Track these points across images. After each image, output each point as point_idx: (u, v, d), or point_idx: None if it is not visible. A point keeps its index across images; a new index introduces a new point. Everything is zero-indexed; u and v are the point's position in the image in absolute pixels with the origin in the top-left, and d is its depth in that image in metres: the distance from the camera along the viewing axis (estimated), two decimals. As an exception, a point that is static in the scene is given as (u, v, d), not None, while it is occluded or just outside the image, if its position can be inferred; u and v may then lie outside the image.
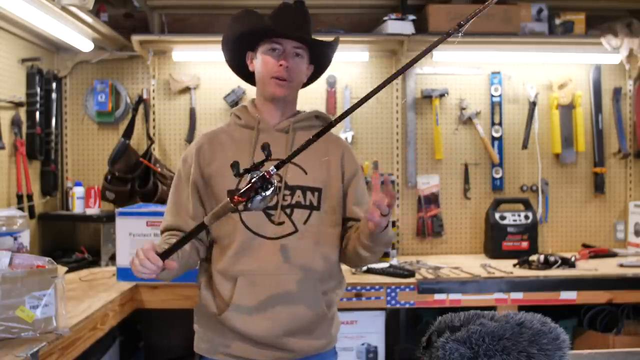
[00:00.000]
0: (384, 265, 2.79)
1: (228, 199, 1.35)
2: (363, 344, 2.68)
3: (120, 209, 2.63)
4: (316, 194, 1.65)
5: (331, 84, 3.27)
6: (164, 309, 2.56)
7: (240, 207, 1.40)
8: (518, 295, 2.61)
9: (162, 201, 2.97)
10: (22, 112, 2.85)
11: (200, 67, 3.25)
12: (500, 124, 3.34)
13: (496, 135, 3.34)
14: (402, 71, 1.34)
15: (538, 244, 3.19)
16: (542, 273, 2.73)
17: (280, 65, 1.62)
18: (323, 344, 1.68)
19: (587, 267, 2.84)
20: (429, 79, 3.34)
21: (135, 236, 2.56)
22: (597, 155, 3.39)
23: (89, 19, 2.59)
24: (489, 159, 3.36)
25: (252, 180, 1.31)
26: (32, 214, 2.84)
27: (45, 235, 3.03)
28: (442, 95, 3.30)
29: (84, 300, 2.21)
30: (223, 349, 1.64)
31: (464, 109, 3.32)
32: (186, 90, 3.26)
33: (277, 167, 1.34)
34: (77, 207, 3.05)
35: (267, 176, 1.32)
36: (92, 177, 3.23)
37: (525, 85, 3.35)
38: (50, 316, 1.68)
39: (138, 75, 3.27)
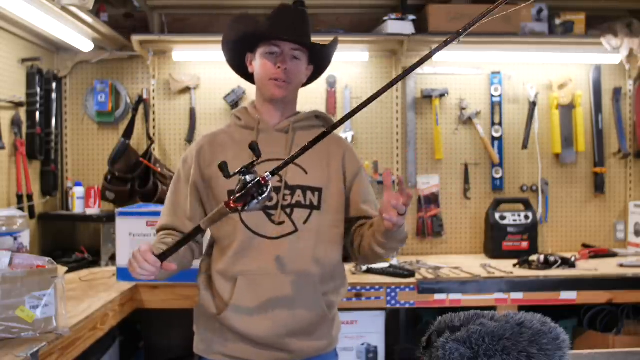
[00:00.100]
0: (384, 265, 2.79)
1: (223, 204, 1.34)
2: (363, 344, 2.68)
3: (120, 209, 2.62)
4: (316, 193, 1.65)
5: (331, 84, 3.27)
6: (164, 309, 2.56)
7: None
8: (518, 295, 2.61)
9: (162, 201, 2.92)
10: (22, 112, 2.85)
11: (200, 67, 3.26)
12: (500, 124, 3.34)
13: (496, 135, 3.34)
14: (402, 77, 1.34)
15: (538, 244, 3.19)
16: (542, 273, 2.73)
17: (278, 67, 1.63)
18: (324, 345, 1.68)
19: (587, 267, 2.84)
20: (429, 79, 3.34)
21: (135, 236, 2.56)
22: (597, 155, 3.39)
23: (89, 19, 2.59)
24: (489, 159, 3.36)
25: (248, 187, 1.31)
26: (32, 214, 2.84)
27: (45, 235, 3.03)
28: (442, 95, 3.30)
29: (84, 300, 2.21)
30: (222, 350, 1.64)
31: (464, 109, 3.32)
32: (186, 90, 3.26)
33: (273, 173, 1.33)
34: (77, 207, 3.05)
35: (263, 182, 1.31)
36: (92, 177, 3.23)
37: (525, 85, 3.35)
38: (50, 316, 1.68)
39: (138, 75, 3.27)
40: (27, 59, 2.87)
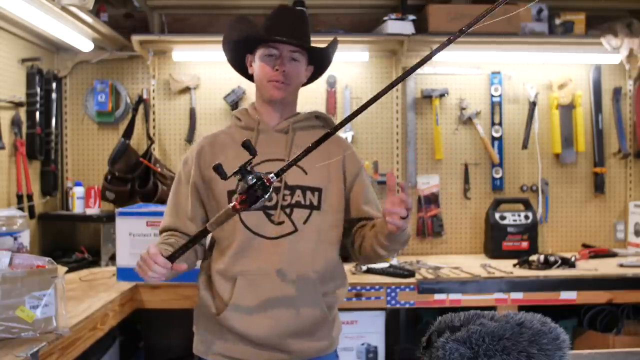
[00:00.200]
0: (384, 265, 2.79)
1: (230, 206, 1.35)
2: (363, 344, 2.68)
3: (120, 209, 2.62)
4: (316, 193, 1.65)
5: (331, 84, 3.27)
6: (164, 309, 2.56)
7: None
8: (518, 295, 2.61)
9: (162, 201, 2.97)
10: (22, 112, 2.85)
11: (200, 67, 3.25)
12: (500, 124, 3.34)
13: (496, 135, 3.34)
14: (403, 78, 1.34)
15: (538, 244, 3.19)
16: (542, 273, 2.73)
17: (277, 70, 1.63)
18: (324, 346, 1.68)
19: (587, 267, 2.84)
20: (429, 79, 3.34)
21: (135, 236, 2.56)
22: (597, 155, 3.39)
23: (89, 19, 2.59)
24: (489, 159, 3.36)
25: (255, 188, 1.31)
26: (32, 214, 2.84)
27: (45, 235, 3.03)
28: (442, 95, 3.30)
29: (84, 300, 2.21)
30: (221, 351, 1.64)
31: (464, 109, 3.32)
32: (186, 90, 3.26)
33: (277, 174, 1.33)
34: (77, 207, 3.05)
35: (268, 183, 1.32)
36: (92, 177, 3.23)
37: (525, 85, 3.35)
38: (50, 316, 1.68)
39: (138, 75, 3.27)
40: (27, 59, 2.87)
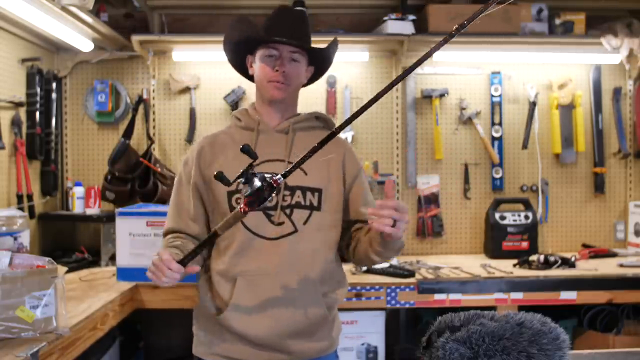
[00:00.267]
0: (384, 265, 2.79)
1: (239, 208, 1.36)
2: (363, 344, 2.68)
3: (120, 209, 2.62)
4: (316, 194, 1.65)
5: (331, 84, 3.27)
6: (164, 309, 2.55)
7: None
8: (518, 295, 2.61)
9: (162, 201, 2.97)
10: (22, 112, 2.85)
11: (200, 67, 3.25)
12: (500, 124, 3.34)
13: (496, 135, 3.34)
14: (404, 76, 1.34)
15: (538, 244, 3.19)
16: (542, 273, 2.73)
17: (277, 70, 1.63)
18: (324, 347, 1.68)
19: (587, 267, 2.84)
20: (429, 79, 3.34)
21: (135, 236, 2.56)
22: (597, 155, 3.39)
23: (89, 19, 2.59)
24: (489, 159, 3.36)
25: (263, 189, 1.33)
26: (32, 214, 2.84)
27: (45, 235, 3.03)
28: (442, 95, 3.30)
29: (84, 300, 2.21)
30: (221, 351, 1.64)
31: (464, 109, 3.32)
32: (186, 90, 3.26)
33: (285, 175, 1.35)
34: (77, 207, 3.05)
35: (275, 184, 1.34)
36: (92, 177, 3.23)
37: (525, 85, 3.35)
38: (50, 316, 1.68)
39: (138, 75, 3.27)
40: (27, 59, 2.87)
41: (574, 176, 3.42)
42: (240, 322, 1.60)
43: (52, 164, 3.06)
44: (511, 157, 3.38)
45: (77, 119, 3.26)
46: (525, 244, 3.13)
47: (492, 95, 3.34)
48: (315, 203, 1.65)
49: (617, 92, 3.40)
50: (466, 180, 3.35)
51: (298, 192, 1.63)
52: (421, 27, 3.05)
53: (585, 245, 3.31)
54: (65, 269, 2.40)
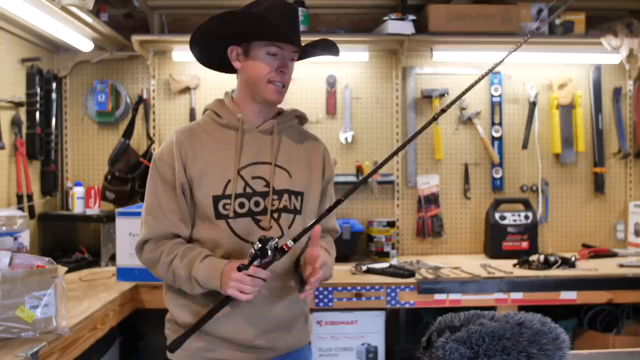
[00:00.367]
0: (384, 265, 2.79)
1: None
2: (363, 344, 2.68)
3: (120, 209, 2.62)
4: (299, 198, 1.63)
5: (331, 84, 3.26)
6: (164, 309, 2.54)
7: (231, 214, 1.54)
8: (518, 295, 2.61)
9: (162, 201, 2.96)
10: (22, 112, 2.85)
11: (200, 67, 3.16)
12: (500, 124, 3.34)
13: (496, 135, 3.34)
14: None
15: (538, 244, 3.19)
16: (542, 273, 2.73)
17: (281, 71, 1.56)
18: (302, 339, 1.70)
19: (587, 267, 2.84)
20: (429, 79, 3.34)
21: (135, 236, 2.55)
22: (597, 155, 3.39)
23: (89, 19, 2.59)
24: (489, 159, 3.36)
25: (274, 258, 1.44)
26: (32, 214, 2.84)
27: (45, 235, 3.03)
28: (442, 95, 3.30)
29: (84, 300, 2.21)
30: (202, 354, 1.59)
31: (464, 109, 3.32)
32: (186, 90, 3.26)
33: (295, 240, 1.45)
34: (77, 207, 3.05)
35: (286, 249, 1.44)
36: (92, 177, 3.23)
37: (525, 85, 3.35)
38: (50, 316, 1.68)
39: (138, 75, 3.27)
40: (27, 59, 2.87)
41: (574, 176, 3.42)
42: (222, 324, 1.56)
43: (52, 164, 3.06)
44: (511, 157, 3.38)
45: (77, 119, 3.26)
46: (525, 244, 3.13)
47: (492, 95, 3.34)
48: (298, 207, 1.62)
49: (617, 92, 3.40)
50: (466, 180, 3.35)
51: (285, 196, 1.60)
52: (421, 27, 3.05)
53: (585, 245, 3.31)
54: (65, 269, 2.38)
